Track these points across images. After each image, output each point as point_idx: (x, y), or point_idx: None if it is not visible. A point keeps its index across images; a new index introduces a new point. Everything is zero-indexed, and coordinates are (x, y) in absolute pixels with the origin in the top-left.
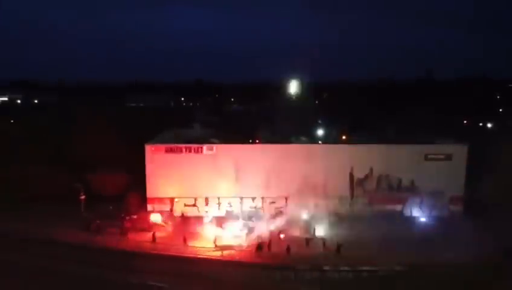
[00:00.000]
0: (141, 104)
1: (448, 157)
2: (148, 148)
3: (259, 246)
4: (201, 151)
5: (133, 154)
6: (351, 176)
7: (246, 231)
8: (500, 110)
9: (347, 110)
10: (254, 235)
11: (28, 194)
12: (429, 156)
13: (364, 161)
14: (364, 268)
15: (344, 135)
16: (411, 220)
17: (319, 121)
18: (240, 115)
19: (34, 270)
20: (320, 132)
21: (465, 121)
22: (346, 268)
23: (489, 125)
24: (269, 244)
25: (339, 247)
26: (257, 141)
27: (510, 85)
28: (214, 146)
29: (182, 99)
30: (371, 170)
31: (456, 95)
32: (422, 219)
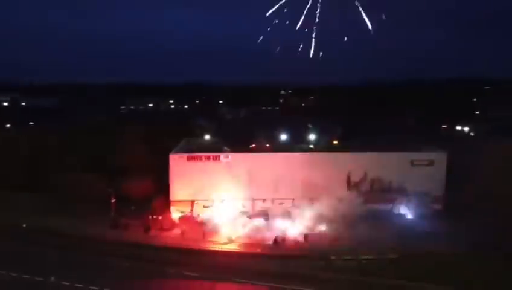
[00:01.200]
0: (140, 107)
1: (431, 163)
2: (172, 157)
3: (275, 241)
4: (219, 159)
5: (153, 160)
6: (348, 179)
7: (260, 228)
8: (476, 112)
9: (334, 112)
10: (269, 232)
11: (71, 197)
12: (415, 162)
13: (359, 166)
14: (365, 257)
15: (335, 139)
16: (399, 217)
17: (309, 125)
18: (231, 119)
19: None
20: (312, 137)
21: (443, 125)
22: (348, 257)
23: (466, 129)
24: (283, 239)
25: (335, 240)
26: (253, 146)
27: (486, 87)
28: (230, 155)
29: (171, 102)
30: (365, 174)
31: (435, 99)
32: (409, 216)
